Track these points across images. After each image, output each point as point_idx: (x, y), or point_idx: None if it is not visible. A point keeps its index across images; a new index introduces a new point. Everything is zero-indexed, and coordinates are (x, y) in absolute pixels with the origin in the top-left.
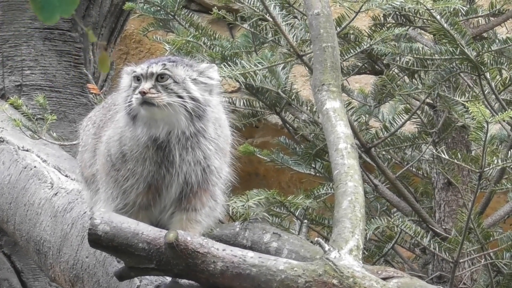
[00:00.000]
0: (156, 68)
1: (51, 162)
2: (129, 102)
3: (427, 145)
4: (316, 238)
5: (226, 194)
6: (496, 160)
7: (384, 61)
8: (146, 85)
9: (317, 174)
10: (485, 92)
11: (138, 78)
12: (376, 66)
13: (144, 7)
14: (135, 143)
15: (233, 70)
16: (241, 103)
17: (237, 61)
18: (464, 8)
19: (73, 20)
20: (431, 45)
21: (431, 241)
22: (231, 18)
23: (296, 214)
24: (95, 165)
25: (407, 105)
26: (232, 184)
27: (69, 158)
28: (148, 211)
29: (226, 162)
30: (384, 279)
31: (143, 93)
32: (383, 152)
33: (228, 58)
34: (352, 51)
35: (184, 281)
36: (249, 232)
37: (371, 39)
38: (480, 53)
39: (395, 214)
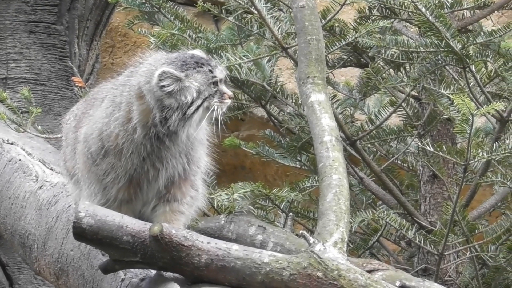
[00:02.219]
0: (225, 72)
1: (36, 155)
2: (212, 108)
3: (412, 137)
4: (301, 231)
5: (207, 183)
6: (481, 153)
7: (369, 54)
8: (229, 90)
9: (303, 167)
10: (470, 85)
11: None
12: (361, 59)
13: (129, 0)
14: (128, 139)
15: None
16: None
17: (222, 54)
18: (449, 0)
19: (58, 13)
20: (416, 38)
21: (416, 234)
22: (216, 11)
23: (281, 207)
24: (75, 159)
25: (393, 97)
26: (214, 174)
27: (54, 151)
28: (131, 205)
29: (204, 152)
30: (369, 271)
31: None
32: (369, 145)
33: (213, 51)
34: (337, 43)
35: (168, 274)
36: (234, 225)
37: (356, 32)
38: (465, 45)
39: (380, 207)
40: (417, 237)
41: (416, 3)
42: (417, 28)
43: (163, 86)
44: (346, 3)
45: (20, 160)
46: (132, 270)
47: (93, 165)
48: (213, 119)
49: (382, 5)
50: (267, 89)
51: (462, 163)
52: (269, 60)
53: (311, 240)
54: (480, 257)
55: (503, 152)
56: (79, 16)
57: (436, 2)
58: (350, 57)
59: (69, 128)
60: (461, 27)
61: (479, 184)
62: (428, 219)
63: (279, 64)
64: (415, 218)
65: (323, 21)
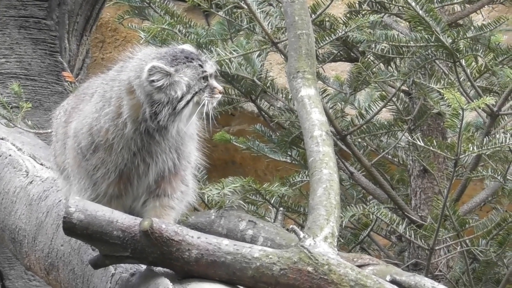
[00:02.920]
0: (215, 67)
1: (26, 151)
2: (202, 103)
3: (402, 132)
4: (291, 226)
5: (197, 178)
6: (471, 147)
7: (360, 49)
8: (219, 85)
9: (293, 162)
10: (461, 79)
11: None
12: (352, 54)
13: None
14: (118, 134)
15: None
16: None
17: (212, 48)
18: None
19: (48, 8)
20: (406, 32)
21: (407, 229)
22: (206, 6)
23: (272, 201)
24: (65, 154)
25: (383, 92)
26: (205, 169)
27: (44, 146)
28: (121, 200)
29: (194, 147)
30: (360, 266)
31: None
32: (359, 140)
33: (204, 45)
34: (327, 38)
35: (159, 269)
36: (225, 220)
37: (346, 26)
38: (456, 40)
39: (371, 202)
40: (407, 232)
41: None
42: (407, 23)
43: (153, 80)
44: None
45: (10, 155)
46: (122, 265)
47: (83, 160)
48: (204, 114)
49: (372, 0)
50: (257, 83)
51: (453, 158)
52: (259, 55)
53: (302, 235)
54: (470, 251)
55: (493, 146)
56: (69, 11)
57: None
58: (340, 52)
59: (59, 123)
60: (451, 21)
61: (470, 178)
62: (419, 214)
63: (269, 58)
64: (405, 213)
65: (313, 15)
